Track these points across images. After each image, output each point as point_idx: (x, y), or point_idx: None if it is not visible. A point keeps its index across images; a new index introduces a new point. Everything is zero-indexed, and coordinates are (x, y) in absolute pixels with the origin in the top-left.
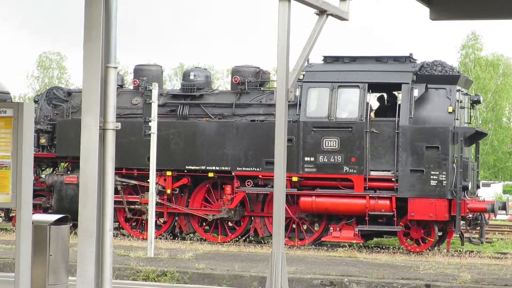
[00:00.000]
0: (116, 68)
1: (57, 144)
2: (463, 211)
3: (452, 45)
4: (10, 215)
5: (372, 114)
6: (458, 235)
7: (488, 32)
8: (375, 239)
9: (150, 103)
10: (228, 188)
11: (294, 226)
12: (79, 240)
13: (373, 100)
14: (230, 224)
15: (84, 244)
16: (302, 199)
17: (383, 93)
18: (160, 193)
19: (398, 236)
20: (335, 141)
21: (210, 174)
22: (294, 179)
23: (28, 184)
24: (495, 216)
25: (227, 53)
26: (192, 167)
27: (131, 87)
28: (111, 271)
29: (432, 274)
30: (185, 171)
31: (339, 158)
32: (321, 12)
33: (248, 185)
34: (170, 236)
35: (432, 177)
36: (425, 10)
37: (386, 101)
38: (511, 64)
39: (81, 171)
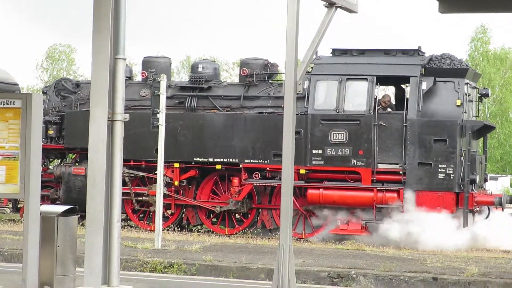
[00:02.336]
0: (125, 59)
1: (65, 136)
2: (471, 204)
3: (460, 38)
4: (18, 206)
5: (389, 108)
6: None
7: (496, 26)
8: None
9: (159, 95)
10: (235, 180)
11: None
12: (87, 231)
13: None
14: (237, 216)
15: (91, 235)
16: (310, 191)
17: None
18: (167, 185)
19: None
20: (343, 133)
21: (218, 166)
22: (302, 171)
23: (36, 175)
24: (502, 209)
25: (235, 45)
26: (200, 159)
27: (140, 79)
28: (118, 262)
29: (439, 267)
30: (193, 163)
31: (347, 151)
32: (330, 4)
33: (255, 177)
34: (178, 228)
35: (439, 170)
36: (434, 3)
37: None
38: None
39: (89, 162)
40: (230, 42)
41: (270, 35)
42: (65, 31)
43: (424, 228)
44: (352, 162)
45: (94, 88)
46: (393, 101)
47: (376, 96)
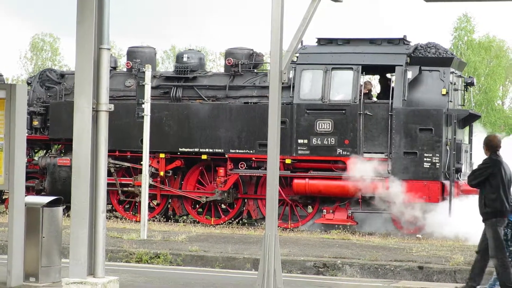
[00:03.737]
0: (109, 49)
1: (50, 126)
2: (457, 193)
3: (445, 27)
4: (3, 197)
5: (374, 97)
6: None
7: (480, 14)
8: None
9: (143, 85)
10: (221, 171)
11: (287, 208)
12: (72, 222)
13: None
14: (223, 206)
15: (77, 226)
16: (296, 181)
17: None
18: (153, 175)
19: (392, 219)
20: (329, 123)
21: (204, 156)
22: (288, 161)
23: (20, 166)
24: None
25: (221, 35)
26: (185, 150)
27: (125, 70)
28: (103, 253)
29: (425, 256)
30: (179, 153)
31: (332, 140)
32: None
33: (241, 167)
34: (163, 219)
35: (425, 159)
36: None
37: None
38: (504, 46)
39: (74, 153)
40: (215, 32)
41: (255, 25)
42: (48, 21)
43: (410, 217)
44: (337, 151)
45: (78, 78)
46: (378, 90)
47: (362, 85)
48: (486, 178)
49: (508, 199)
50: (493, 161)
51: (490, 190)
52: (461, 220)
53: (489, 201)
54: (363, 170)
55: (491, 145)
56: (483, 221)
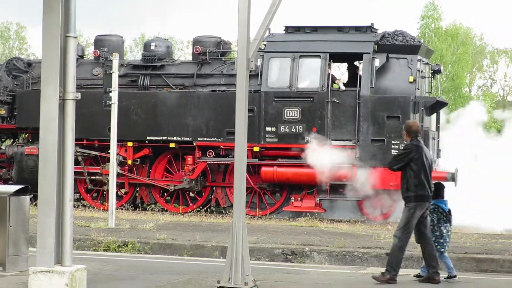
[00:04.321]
0: (75, 38)
1: (17, 115)
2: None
3: (412, 15)
4: None
5: (342, 86)
6: None
7: (447, 2)
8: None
9: (111, 74)
10: (189, 159)
11: (255, 196)
12: (39, 210)
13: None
14: (191, 194)
15: (44, 214)
16: (264, 169)
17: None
18: (121, 164)
19: (359, 206)
20: (297, 111)
21: (172, 145)
22: (256, 149)
23: None
24: (455, 185)
25: (189, 23)
26: (153, 138)
27: (92, 58)
28: (71, 242)
29: (392, 242)
30: (146, 141)
31: (300, 128)
32: None
33: (209, 155)
34: (131, 207)
35: (393, 146)
36: None
37: (348, 71)
38: (470, 33)
39: (40, 141)
40: (184, 21)
41: (223, 13)
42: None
43: (378, 204)
44: (306, 139)
45: (45, 67)
46: (346, 78)
47: (329, 73)
48: (408, 163)
49: (429, 184)
50: (414, 147)
51: (412, 175)
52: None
53: (411, 185)
54: (330, 158)
55: (412, 131)
56: (405, 204)
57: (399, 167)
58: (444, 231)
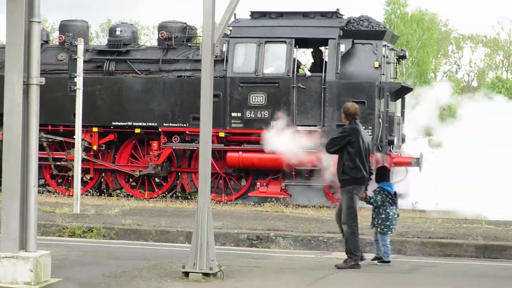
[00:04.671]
0: (40, 22)
1: None
2: (389, 165)
3: (378, 0)
4: None
5: (308, 72)
6: None
7: None
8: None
9: (76, 59)
10: (155, 144)
11: (221, 181)
12: (3, 196)
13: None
14: (157, 180)
15: (8, 200)
16: (229, 154)
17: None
18: (86, 149)
19: (324, 191)
20: (262, 96)
21: (137, 130)
22: (221, 134)
23: None
24: (420, 170)
25: (156, 9)
26: (119, 123)
27: (57, 44)
28: (35, 227)
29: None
30: (112, 127)
31: (266, 113)
32: None
33: (175, 141)
34: (97, 193)
35: None
36: None
37: (313, 57)
38: (436, 19)
39: (4, 127)
40: (150, 6)
41: None
42: None
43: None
44: (271, 124)
45: (8, 52)
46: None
47: (295, 59)
48: (344, 146)
49: (365, 167)
50: (351, 130)
51: (348, 158)
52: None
53: (347, 168)
54: (296, 143)
55: (350, 113)
56: (341, 187)
57: (335, 150)
58: (391, 213)
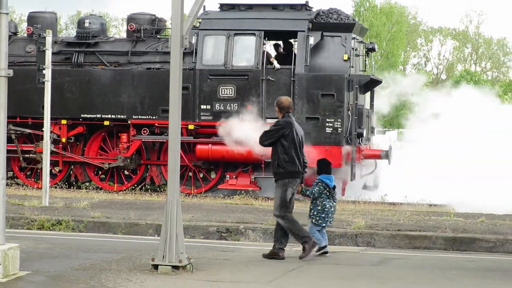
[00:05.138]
0: (7, 14)
1: None
2: (358, 158)
3: None
4: None
5: (277, 64)
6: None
7: None
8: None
9: (44, 51)
10: (124, 137)
11: (190, 174)
12: None
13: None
14: (126, 172)
15: None
16: (199, 147)
17: (278, 42)
18: (55, 141)
19: None
20: (232, 89)
21: (106, 123)
22: (191, 127)
23: None
24: (389, 163)
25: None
26: (88, 116)
27: (25, 35)
28: (4, 220)
29: None
30: (81, 119)
31: (235, 106)
32: None
33: (144, 133)
34: (66, 185)
35: (327, 124)
36: None
37: (282, 49)
38: (405, 12)
39: None
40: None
41: None
42: None
43: (312, 182)
44: (240, 117)
45: None
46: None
47: (264, 51)
48: (278, 139)
49: (299, 160)
50: (285, 123)
51: (283, 151)
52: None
53: (282, 162)
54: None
55: (283, 107)
56: (275, 181)
57: (269, 143)
58: (327, 205)
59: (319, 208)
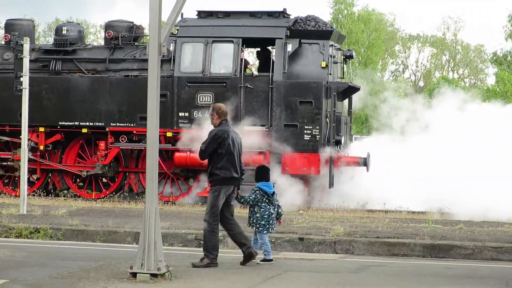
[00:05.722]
0: None
1: None
2: (336, 165)
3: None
4: None
5: (255, 71)
6: None
7: None
8: None
9: (22, 58)
10: (102, 144)
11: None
12: None
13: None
14: (104, 180)
15: None
16: (177, 154)
17: (258, 49)
18: (33, 149)
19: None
20: (210, 96)
21: (84, 130)
22: (169, 134)
23: None
24: (367, 170)
25: (103, 8)
26: (65, 123)
27: (3, 43)
28: None
29: (305, 227)
30: (59, 127)
31: None
32: None
33: (122, 140)
34: (44, 193)
35: (305, 131)
36: None
37: (260, 57)
38: (383, 19)
39: None
40: (97, 5)
41: None
42: None
43: (291, 189)
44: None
45: None
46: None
47: (243, 58)
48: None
49: (236, 167)
50: (221, 131)
51: (217, 158)
52: (342, 191)
53: (216, 169)
54: (243, 143)
55: (222, 112)
56: (210, 187)
57: (209, 153)
58: (267, 212)
59: (257, 215)
